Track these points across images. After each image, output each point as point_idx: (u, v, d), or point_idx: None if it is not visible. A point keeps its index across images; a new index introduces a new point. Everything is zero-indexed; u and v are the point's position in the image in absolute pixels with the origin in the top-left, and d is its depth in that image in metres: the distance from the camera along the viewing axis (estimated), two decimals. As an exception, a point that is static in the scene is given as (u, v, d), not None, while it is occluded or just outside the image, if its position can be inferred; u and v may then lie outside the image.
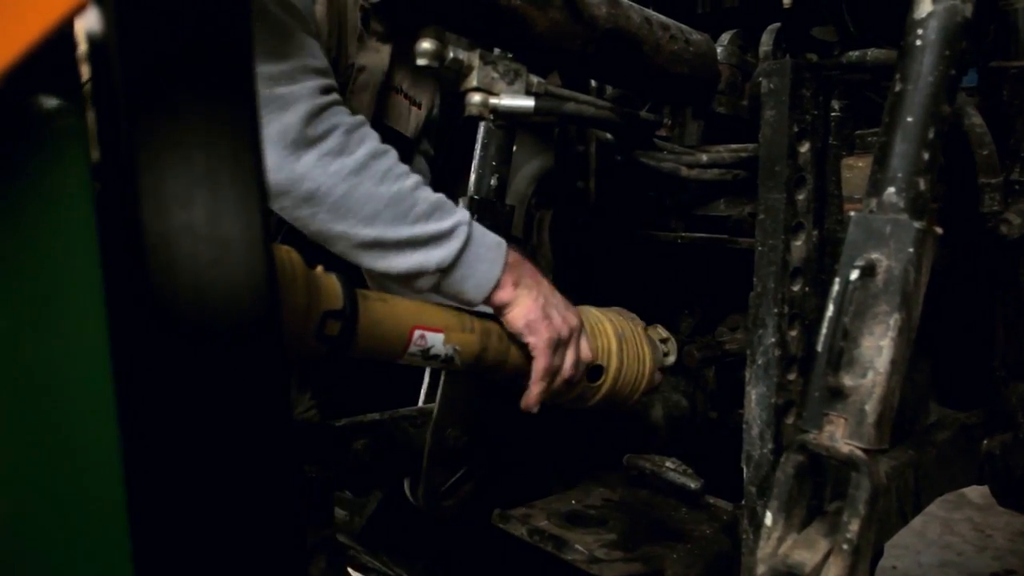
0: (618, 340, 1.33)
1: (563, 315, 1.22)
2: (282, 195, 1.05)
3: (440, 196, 1.14)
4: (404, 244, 1.10)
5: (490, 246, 1.17)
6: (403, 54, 1.37)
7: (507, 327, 1.21)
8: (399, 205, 1.09)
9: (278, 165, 1.02)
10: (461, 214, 1.15)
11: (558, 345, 1.21)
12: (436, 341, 1.11)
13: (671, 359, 1.46)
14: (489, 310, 1.22)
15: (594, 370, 1.30)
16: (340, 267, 1.08)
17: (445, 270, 1.12)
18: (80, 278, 0.50)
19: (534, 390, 1.23)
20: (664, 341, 1.46)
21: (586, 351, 1.26)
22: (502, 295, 1.18)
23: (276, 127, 1.02)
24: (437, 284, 1.14)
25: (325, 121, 1.06)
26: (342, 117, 1.08)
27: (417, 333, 1.09)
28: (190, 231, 0.47)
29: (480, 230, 1.17)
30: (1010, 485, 1.52)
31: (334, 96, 1.09)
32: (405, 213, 1.09)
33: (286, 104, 1.03)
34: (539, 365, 1.21)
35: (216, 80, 0.48)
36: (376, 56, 1.37)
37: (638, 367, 1.35)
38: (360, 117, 1.11)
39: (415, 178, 1.13)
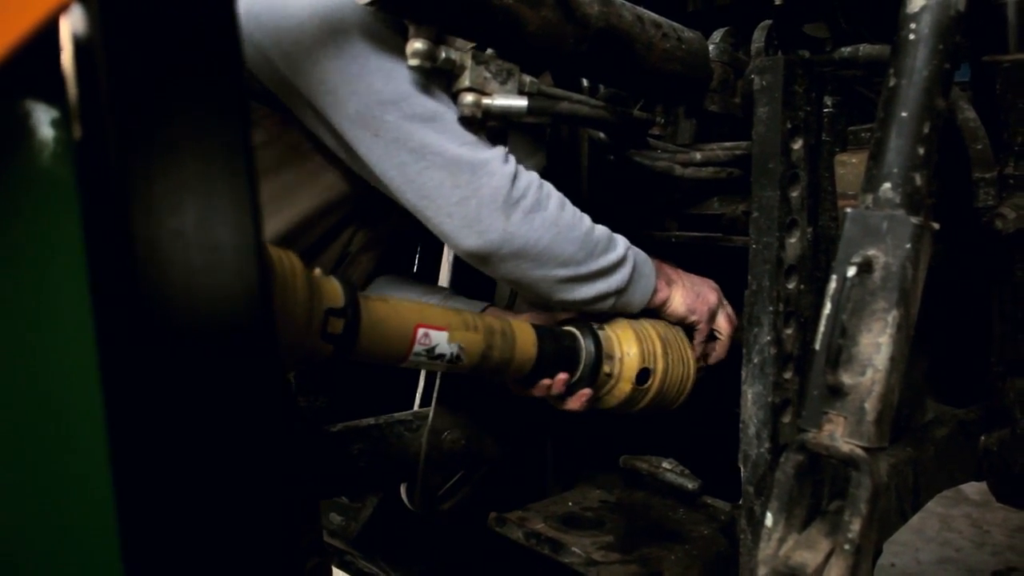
0: (663, 343, 1.35)
1: (707, 286, 1.38)
2: (491, 254, 1.10)
3: (603, 227, 1.24)
4: (594, 276, 1.21)
5: (644, 260, 1.30)
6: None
7: (669, 319, 1.36)
8: (587, 244, 1.19)
9: (492, 227, 1.08)
10: (623, 239, 1.26)
11: (715, 314, 1.38)
12: (440, 339, 1.11)
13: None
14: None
15: (642, 373, 1.31)
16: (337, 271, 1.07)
17: (622, 291, 1.25)
18: (66, 284, 0.48)
19: (720, 351, 1.41)
20: None
21: (729, 309, 1.42)
22: (660, 296, 1.32)
23: (487, 191, 1.07)
24: (613, 304, 1.25)
25: (523, 179, 1.12)
26: (530, 174, 1.15)
27: (421, 332, 1.10)
28: (180, 237, 0.46)
29: (634, 248, 1.28)
30: (1008, 481, 1.51)
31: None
32: (592, 249, 1.20)
33: (492, 167, 1.08)
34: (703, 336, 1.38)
35: (206, 84, 0.47)
36: None
37: (682, 367, 1.39)
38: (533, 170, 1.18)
39: (585, 214, 1.22)
